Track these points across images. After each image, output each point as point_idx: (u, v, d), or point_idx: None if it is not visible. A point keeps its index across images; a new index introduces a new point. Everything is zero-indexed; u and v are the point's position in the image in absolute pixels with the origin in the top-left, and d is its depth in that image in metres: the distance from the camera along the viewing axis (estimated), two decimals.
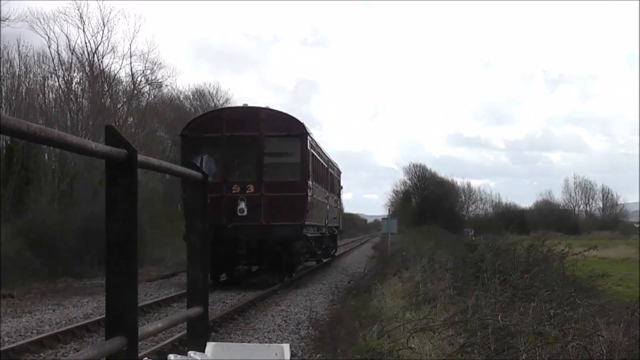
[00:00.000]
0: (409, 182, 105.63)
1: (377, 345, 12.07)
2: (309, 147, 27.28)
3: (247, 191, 24.57)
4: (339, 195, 47.01)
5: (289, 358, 3.18)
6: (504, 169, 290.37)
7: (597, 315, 12.31)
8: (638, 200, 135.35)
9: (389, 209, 76.96)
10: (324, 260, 38.70)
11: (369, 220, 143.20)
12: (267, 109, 27.29)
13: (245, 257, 25.55)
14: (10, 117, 2.62)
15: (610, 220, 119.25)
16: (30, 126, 2.69)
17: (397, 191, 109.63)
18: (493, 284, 16.52)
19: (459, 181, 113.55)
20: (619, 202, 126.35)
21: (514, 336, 10.62)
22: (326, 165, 37.20)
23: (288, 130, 26.27)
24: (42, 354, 13.60)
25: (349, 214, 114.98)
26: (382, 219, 53.57)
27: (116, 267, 3.21)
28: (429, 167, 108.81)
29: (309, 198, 26.64)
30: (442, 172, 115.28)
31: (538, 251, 22.00)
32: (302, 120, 27.83)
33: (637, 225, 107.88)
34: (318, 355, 13.06)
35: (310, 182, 27.33)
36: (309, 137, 27.47)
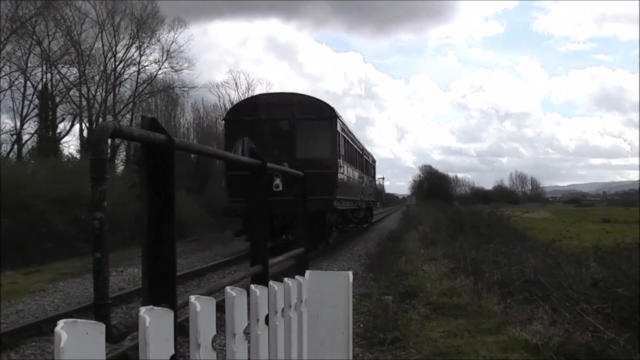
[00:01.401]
0: (422, 175, 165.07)
1: (404, 268, 18.60)
2: (338, 129, 27.32)
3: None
4: (374, 177, 52.78)
5: (351, 280, 4.45)
6: (475, 167, 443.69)
7: (527, 250, 18.68)
8: (553, 185, 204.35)
9: (410, 191, 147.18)
10: (364, 226, 45.29)
11: (400, 197, 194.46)
12: (299, 95, 27.55)
13: (281, 229, 25.60)
14: (191, 143, 3.99)
15: (534, 196, 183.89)
16: (197, 146, 4.25)
17: (415, 180, 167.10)
18: (470, 233, 25.91)
19: (450, 174, 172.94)
20: (539, 186, 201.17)
21: (481, 263, 16.95)
22: (360, 152, 38.79)
23: (319, 113, 26.60)
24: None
25: (389, 194, 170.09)
26: (407, 196, 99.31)
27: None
28: (433, 166, 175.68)
29: (339, 175, 26.63)
30: (440, 169, 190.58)
31: (495, 214, 34.17)
32: (332, 106, 27.45)
33: (551, 199, 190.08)
34: (370, 273, 19.53)
35: (340, 161, 27.10)
36: (338, 120, 27.43)
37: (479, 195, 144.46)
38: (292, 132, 26.40)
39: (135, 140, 3.77)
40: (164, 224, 3.79)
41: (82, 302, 14.45)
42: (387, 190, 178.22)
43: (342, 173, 27.71)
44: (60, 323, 1.76)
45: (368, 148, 47.95)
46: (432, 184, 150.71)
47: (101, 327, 1.90)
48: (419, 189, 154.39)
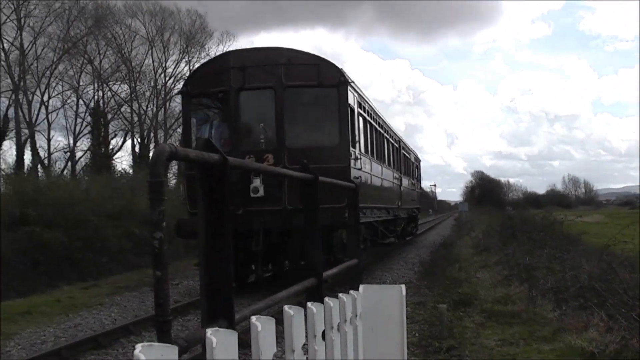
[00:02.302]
0: (473, 181, 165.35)
1: (457, 275, 18.68)
2: (351, 102, 18.37)
3: (265, 163, 16.34)
4: (418, 180, 42.54)
5: (404, 293, 4.49)
6: (526, 171, 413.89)
7: (581, 255, 18.53)
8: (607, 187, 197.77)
9: (462, 197, 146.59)
10: (407, 239, 36.67)
11: (452, 204, 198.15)
12: (289, 50, 18.16)
13: (262, 254, 17.26)
14: (244, 160, 4.19)
15: (588, 200, 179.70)
16: (250, 163, 4.48)
17: (467, 186, 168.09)
18: (522, 239, 25.30)
19: (502, 179, 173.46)
20: (592, 189, 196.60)
21: (535, 269, 16.50)
22: (396, 144, 30.14)
23: (319, 78, 17.47)
24: None
25: (441, 200, 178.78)
26: (459, 203, 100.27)
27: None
28: (484, 171, 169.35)
29: (353, 171, 17.68)
30: (492, 174, 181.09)
31: (547, 219, 32.57)
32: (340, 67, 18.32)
33: (605, 202, 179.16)
34: (424, 281, 18.88)
35: (355, 151, 18.27)
36: (351, 88, 18.37)
37: (531, 200, 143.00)
38: (280, 107, 17.65)
39: (191, 162, 3.88)
40: (220, 241, 3.89)
41: (138, 315, 14.67)
42: (439, 197, 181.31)
43: (360, 169, 18.95)
44: (139, 347, 1.88)
45: (409, 144, 38.87)
46: (484, 190, 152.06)
47: (174, 350, 2.01)
48: (470, 195, 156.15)
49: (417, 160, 43.72)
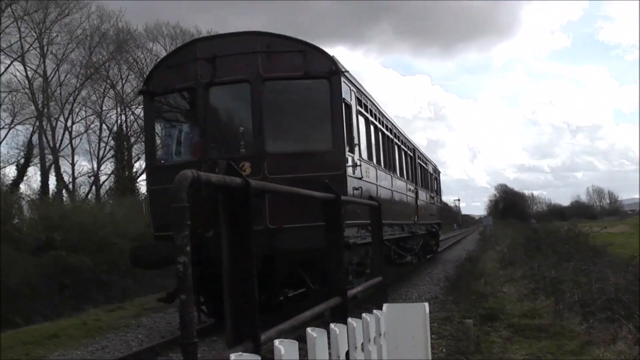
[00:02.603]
0: (497, 194, 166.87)
1: (483, 290, 18.42)
2: (347, 97, 14.93)
3: None
4: (438, 193, 39.42)
5: (428, 311, 4.49)
6: (549, 183, 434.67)
7: (608, 267, 18.51)
8: (632, 197, 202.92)
9: (487, 211, 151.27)
10: (427, 257, 33.88)
11: (476, 218, 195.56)
12: (268, 35, 14.74)
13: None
14: (265, 183, 4.81)
15: (613, 210, 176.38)
16: (272, 185, 5.14)
17: (491, 200, 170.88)
18: (547, 252, 25.25)
19: (526, 192, 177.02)
20: (617, 200, 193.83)
21: (561, 283, 16.46)
22: (410, 152, 26.71)
23: (306, 67, 14.24)
24: None
25: (465, 215, 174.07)
26: (483, 216, 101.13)
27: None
28: (507, 184, 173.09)
29: (351, 180, 14.41)
30: (515, 187, 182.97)
31: (572, 231, 33.10)
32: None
33: (630, 212, 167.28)
34: (450, 296, 18.40)
35: (353, 156, 14.91)
36: (345, 79, 14.86)
37: (555, 212, 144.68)
38: (257, 104, 14.28)
39: (214, 187, 3.94)
40: (244, 263, 3.94)
41: (165, 337, 14.72)
42: (463, 211, 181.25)
43: (361, 178, 15.51)
44: None
45: (425, 153, 35.32)
46: (508, 203, 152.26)
47: None
48: (494, 208, 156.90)
49: (436, 171, 40.27)
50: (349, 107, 15.00)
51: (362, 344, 3.63)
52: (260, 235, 12.69)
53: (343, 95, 14.45)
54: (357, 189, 14.80)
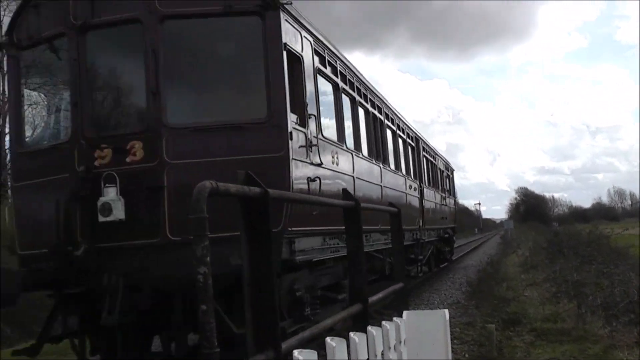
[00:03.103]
0: (518, 197, 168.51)
1: (505, 294, 18.29)
2: (291, 43, 9.76)
3: (129, 158, 8.88)
4: (451, 193, 33.44)
5: (448, 317, 4.47)
6: (570, 186, 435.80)
7: (630, 270, 18.34)
8: None
9: (507, 214, 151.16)
10: (440, 267, 29.58)
11: (497, 222, 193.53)
12: None
13: (121, 328, 8.38)
14: (284, 192, 4.68)
15: (634, 212, 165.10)
16: (291, 194, 5.85)
17: (511, 203, 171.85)
18: (569, 255, 25.19)
19: (547, 195, 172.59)
20: (639, 201, 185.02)
21: (583, 286, 16.41)
22: (413, 144, 21.75)
23: None
24: None
25: (486, 219, 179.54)
26: (504, 220, 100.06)
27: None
28: (528, 187, 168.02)
29: (297, 166, 9.34)
30: (536, 190, 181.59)
31: (594, 233, 32.65)
32: None
33: None
34: (472, 301, 18.31)
35: (305, 131, 9.87)
36: (288, 16, 9.71)
37: (577, 215, 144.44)
38: (152, 54, 9.03)
39: (233, 196, 3.95)
40: (264, 272, 3.95)
41: None
42: (484, 215, 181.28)
43: (320, 164, 10.36)
44: None
45: (433, 146, 28.91)
46: (529, 206, 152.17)
47: None
48: (515, 211, 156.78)
49: (449, 168, 34.12)
50: (297, 59, 9.97)
51: (383, 352, 3.64)
52: (157, 252, 8.36)
53: (284, 40, 9.37)
54: (312, 180, 9.81)
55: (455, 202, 36.72)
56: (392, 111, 18.52)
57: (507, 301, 16.99)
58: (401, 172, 18.66)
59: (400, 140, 19.28)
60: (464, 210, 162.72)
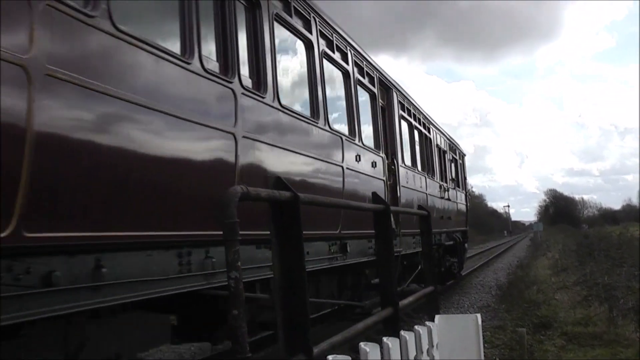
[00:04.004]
0: (547, 199, 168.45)
1: (536, 298, 17.92)
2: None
3: None
4: (461, 185, 25.10)
5: (480, 322, 4.44)
6: (599, 187, 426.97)
7: None
8: None
9: (537, 217, 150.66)
10: (447, 284, 21.92)
11: (526, 224, 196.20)
12: None
13: None
14: (314, 196, 4.54)
15: None
16: (321, 198, 4.90)
17: (540, 205, 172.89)
18: (600, 257, 24.84)
19: (576, 197, 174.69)
20: None
21: (614, 289, 16.23)
22: (379, 100, 12.95)
23: None
24: None
25: (515, 221, 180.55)
26: (534, 222, 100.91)
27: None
28: (557, 189, 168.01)
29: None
30: (565, 192, 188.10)
31: (625, 235, 32.23)
32: None
33: None
34: (502, 305, 17.87)
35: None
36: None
37: (607, 217, 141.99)
38: None
39: (263, 201, 3.94)
40: (295, 276, 3.94)
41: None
42: (513, 217, 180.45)
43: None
44: None
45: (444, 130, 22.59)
46: (558, 208, 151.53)
47: None
48: (544, 214, 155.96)
49: (456, 151, 24.95)
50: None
51: (415, 357, 3.61)
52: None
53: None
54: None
55: (467, 198, 27.12)
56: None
57: (537, 304, 16.84)
58: (360, 143, 11.22)
59: (351, 85, 11.14)
60: (493, 212, 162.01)
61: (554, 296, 18.09)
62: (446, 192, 20.79)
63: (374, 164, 11.80)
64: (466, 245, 25.33)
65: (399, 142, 14.24)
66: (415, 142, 16.73)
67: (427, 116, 19.06)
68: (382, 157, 12.50)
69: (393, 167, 13.43)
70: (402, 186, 14.01)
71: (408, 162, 15.23)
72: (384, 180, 12.42)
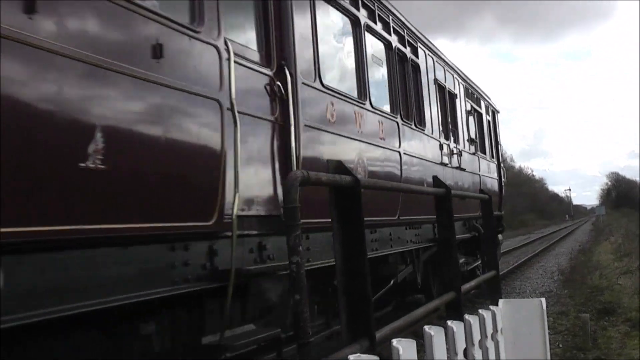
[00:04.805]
0: (609, 183, 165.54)
1: (599, 283, 17.55)
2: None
3: None
4: (487, 152, 17.99)
5: (545, 306, 4.39)
6: None
7: None
8: None
9: (599, 200, 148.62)
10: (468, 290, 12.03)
11: (588, 208, 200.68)
12: None
13: None
14: (375, 180, 4.17)
15: None
16: (381, 182, 4.94)
17: (602, 189, 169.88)
18: None
19: (638, 180, 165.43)
20: None
21: None
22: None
23: None
24: None
25: (576, 205, 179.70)
26: (596, 206, 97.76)
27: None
28: (619, 172, 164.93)
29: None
30: (627, 175, 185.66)
31: None
32: None
33: None
34: (565, 290, 17.49)
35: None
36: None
37: None
38: None
39: (324, 185, 3.93)
40: (357, 261, 3.92)
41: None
42: (575, 201, 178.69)
43: None
44: None
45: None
46: (620, 192, 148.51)
47: None
48: (607, 197, 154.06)
49: (480, 101, 17.62)
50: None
51: (480, 341, 3.57)
52: None
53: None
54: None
55: (502, 170, 19.96)
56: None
57: (600, 290, 16.55)
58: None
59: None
60: (554, 197, 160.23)
61: (617, 281, 17.74)
62: (455, 158, 13.70)
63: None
64: (500, 237, 17.85)
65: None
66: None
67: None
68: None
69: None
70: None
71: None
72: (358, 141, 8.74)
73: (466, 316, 3.50)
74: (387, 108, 9.86)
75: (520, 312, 4.15)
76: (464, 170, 14.31)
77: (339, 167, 3.88)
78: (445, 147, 12.78)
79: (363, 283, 3.88)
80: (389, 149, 9.30)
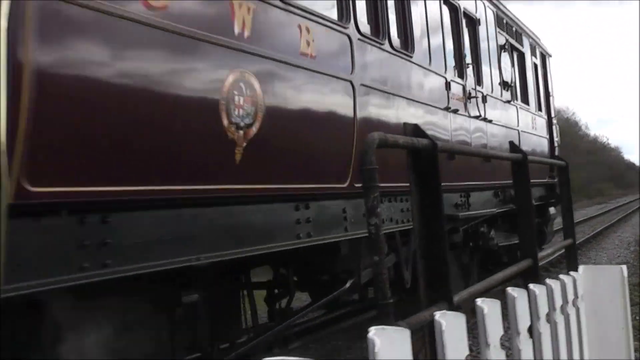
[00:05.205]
0: None
1: None
2: None
3: None
4: (527, 101, 13.92)
5: (626, 274, 4.31)
6: None
7: None
8: None
9: None
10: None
11: None
12: None
13: None
14: (453, 144, 4.37)
15: None
16: (458, 146, 4.57)
17: None
18: None
19: None
20: None
21: None
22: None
23: None
24: None
25: None
26: None
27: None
28: None
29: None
30: None
31: None
32: None
33: None
34: None
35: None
36: None
37: None
38: None
39: (401, 147, 3.90)
40: (435, 224, 3.89)
41: None
42: None
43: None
44: (372, 330, 1.93)
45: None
46: None
47: (406, 333, 2.04)
48: None
49: (522, 38, 14.12)
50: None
51: (561, 306, 3.52)
52: None
53: None
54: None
55: (554, 128, 16.41)
56: None
57: None
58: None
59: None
60: (631, 166, 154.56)
61: None
62: (475, 104, 10.26)
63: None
64: (553, 210, 14.77)
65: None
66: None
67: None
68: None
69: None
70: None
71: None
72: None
73: (548, 280, 3.45)
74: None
75: (600, 279, 4.08)
76: (489, 121, 10.98)
77: (417, 130, 3.85)
78: (455, 86, 9.43)
79: (441, 247, 3.87)
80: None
